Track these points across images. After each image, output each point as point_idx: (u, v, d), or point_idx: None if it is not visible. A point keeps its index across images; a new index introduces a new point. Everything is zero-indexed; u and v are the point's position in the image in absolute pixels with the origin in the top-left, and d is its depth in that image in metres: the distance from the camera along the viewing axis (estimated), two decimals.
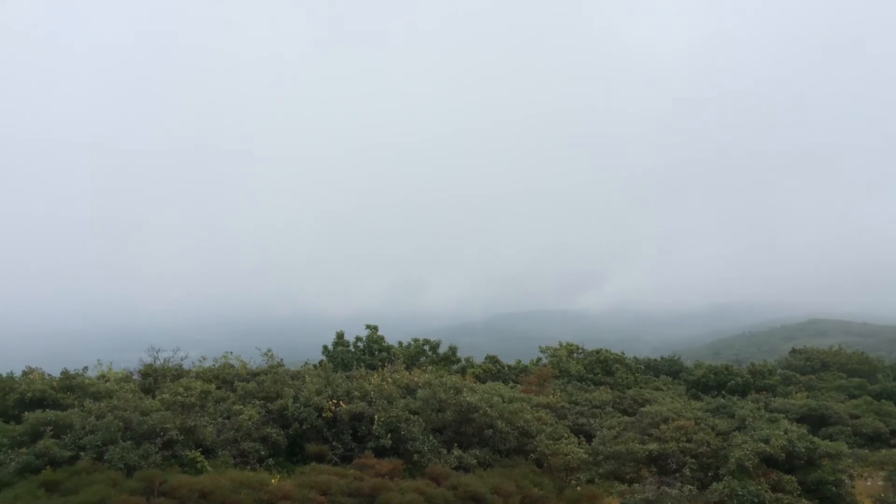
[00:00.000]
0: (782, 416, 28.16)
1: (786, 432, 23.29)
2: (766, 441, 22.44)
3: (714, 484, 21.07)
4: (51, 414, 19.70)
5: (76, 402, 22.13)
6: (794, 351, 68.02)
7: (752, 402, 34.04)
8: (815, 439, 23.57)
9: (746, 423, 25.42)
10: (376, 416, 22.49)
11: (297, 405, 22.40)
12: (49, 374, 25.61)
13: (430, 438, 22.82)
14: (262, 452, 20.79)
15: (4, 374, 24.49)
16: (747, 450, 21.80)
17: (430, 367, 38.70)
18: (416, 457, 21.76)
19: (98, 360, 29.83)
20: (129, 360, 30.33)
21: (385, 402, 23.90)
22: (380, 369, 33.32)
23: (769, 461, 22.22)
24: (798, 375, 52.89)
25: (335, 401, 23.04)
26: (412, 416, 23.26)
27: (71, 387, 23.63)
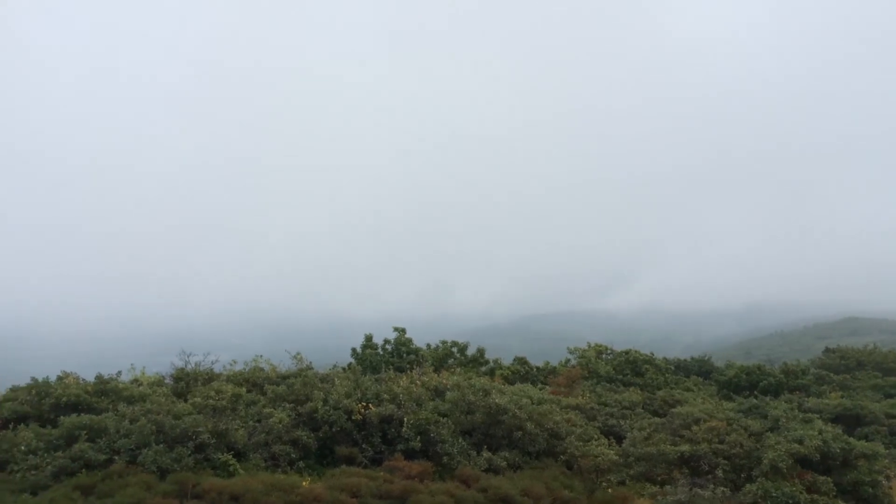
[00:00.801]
0: (816, 416, 27.72)
1: (820, 433, 22.94)
2: (801, 442, 22.12)
3: (747, 485, 20.82)
4: (86, 418, 20.01)
5: (110, 407, 22.47)
6: (827, 350, 66.98)
7: (786, 402, 33.55)
8: (851, 440, 23.19)
9: (780, 423, 25.08)
10: (405, 419, 22.52)
11: (327, 408, 22.51)
12: (84, 379, 25.98)
13: (460, 441, 22.82)
14: (293, 455, 20.92)
15: (40, 379, 24.86)
16: (781, 451, 21.51)
17: (458, 369, 38.72)
18: (445, 459, 21.77)
19: (132, 365, 30.23)
20: (161, 364, 30.67)
21: (414, 404, 23.94)
22: (408, 371, 33.39)
23: (803, 462, 21.91)
24: (832, 375, 52.07)
25: (364, 403, 23.12)
26: (441, 419, 23.27)
27: (105, 391, 23.98)
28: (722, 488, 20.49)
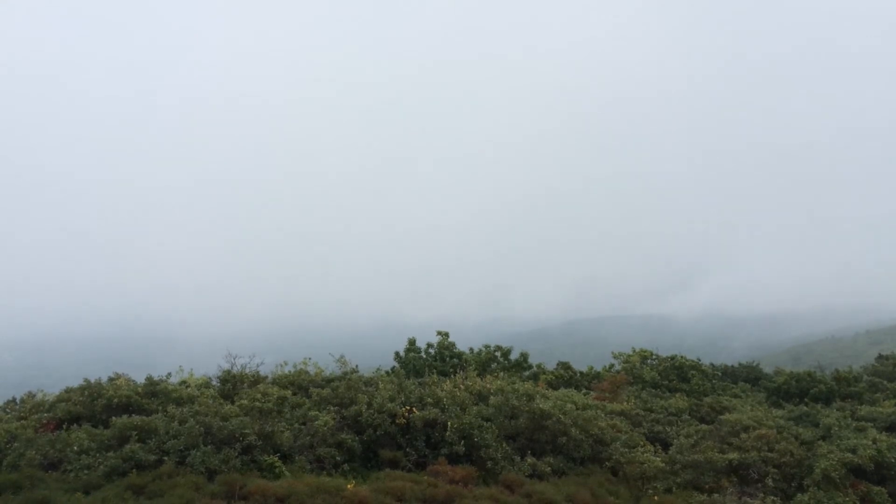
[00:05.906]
0: (870, 424, 27.04)
1: (874, 442, 22.41)
2: (854, 451, 21.62)
3: (798, 495, 20.41)
4: (136, 419, 20.41)
5: (160, 408, 22.87)
6: (881, 356, 65.14)
7: (838, 410, 32.78)
8: None
9: (832, 432, 24.53)
10: (449, 423, 22.51)
11: (371, 411, 22.63)
12: (134, 380, 26.49)
13: (504, 445, 22.73)
14: (338, 458, 21.05)
15: (93, 380, 25.41)
16: (834, 460, 21.04)
17: (501, 374, 38.58)
18: (489, 464, 21.70)
19: (180, 367, 30.71)
20: (208, 366, 31.11)
21: (458, 408, 23.91)
22: (452, 376, 33.38)
23: (857, 472, 21.41)
24: (885, 382, 50.63)
25: (408, 407, 23.19)
26: (485, 423, 23.20)
27: (155, 392, 24.41)
28: (772, 497, 20.14)
